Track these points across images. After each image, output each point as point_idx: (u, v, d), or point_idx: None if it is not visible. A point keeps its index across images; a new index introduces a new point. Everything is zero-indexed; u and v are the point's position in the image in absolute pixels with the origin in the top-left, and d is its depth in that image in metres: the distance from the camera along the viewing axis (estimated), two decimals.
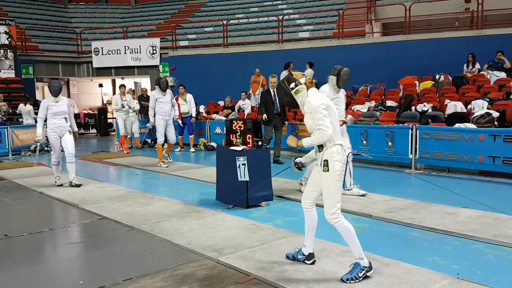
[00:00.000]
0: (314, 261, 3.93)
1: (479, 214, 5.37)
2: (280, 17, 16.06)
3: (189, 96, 11.87)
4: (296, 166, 4.03)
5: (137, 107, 13.05)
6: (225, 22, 16.92)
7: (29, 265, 4.25)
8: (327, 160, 3.57)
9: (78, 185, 7.58)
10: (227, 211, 5.89)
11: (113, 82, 21.94)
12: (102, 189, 7.37)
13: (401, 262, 3.94)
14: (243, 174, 5.77)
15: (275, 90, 9.10)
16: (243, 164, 5.75)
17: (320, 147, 3.64)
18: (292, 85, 3.73)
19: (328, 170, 3.56)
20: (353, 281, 3.47)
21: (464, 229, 4.82)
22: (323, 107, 3.57)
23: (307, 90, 3.72)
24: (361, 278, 3.50)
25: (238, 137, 6.15)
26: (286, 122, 10.31)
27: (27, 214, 6.20)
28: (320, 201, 3.67)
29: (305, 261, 3.94)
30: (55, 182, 7.83)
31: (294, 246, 4.16)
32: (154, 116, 9.53)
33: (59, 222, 5.59)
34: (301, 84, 3.72)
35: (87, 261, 4.32)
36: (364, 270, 3.53)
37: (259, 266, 3.89)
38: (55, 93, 7.52)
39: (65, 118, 7.59)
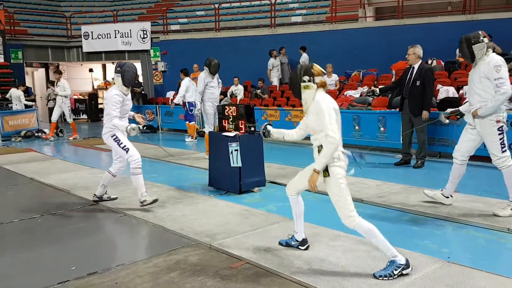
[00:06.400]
0: (308, 246, 3.96)
1: (469, 198, 5.42)
2: (273, 1, 15.90)
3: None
4: (264, 131, 4.05)
5: None
6: (216, 5, 16.71)
7: (20, 252, 4.24)
8: (327, 165, 3.42)
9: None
10: (220, 197, 5.89)
11: (104, 66, 21.68)
12: (94, 175, 7.32)
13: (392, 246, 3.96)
14: (235, 160, 5.76)
15: (415, 66, 7.37)
16: (235, 150, 5.73)
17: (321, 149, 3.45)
18: (306, 77, 3.49)
19: (328, 175, 3.42)
20: (387, 278, 3.30)
21: (454, 213, 4.87)
22: (332, 111, 3.39)
23: (316, 91, 3.50)
24: (396, 276, 3.32)
25: (231, 123, 6.13)
26: (425, 112, 7.35)
27: (18, 200, 6.16)
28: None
29: (299, 247, 3.95)
30: (143, 202, 5.27)
31: (286, 231, 4.17)
32: (202, 102, 8.59)
33: (50, 208, 5.55)
34: (314, 82, 3.49)
35: (79, 247, 4.30)
36: (400, 268, 3.34)
37: (252, 251, 3.91)
38: (131, 81, 5.29)
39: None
